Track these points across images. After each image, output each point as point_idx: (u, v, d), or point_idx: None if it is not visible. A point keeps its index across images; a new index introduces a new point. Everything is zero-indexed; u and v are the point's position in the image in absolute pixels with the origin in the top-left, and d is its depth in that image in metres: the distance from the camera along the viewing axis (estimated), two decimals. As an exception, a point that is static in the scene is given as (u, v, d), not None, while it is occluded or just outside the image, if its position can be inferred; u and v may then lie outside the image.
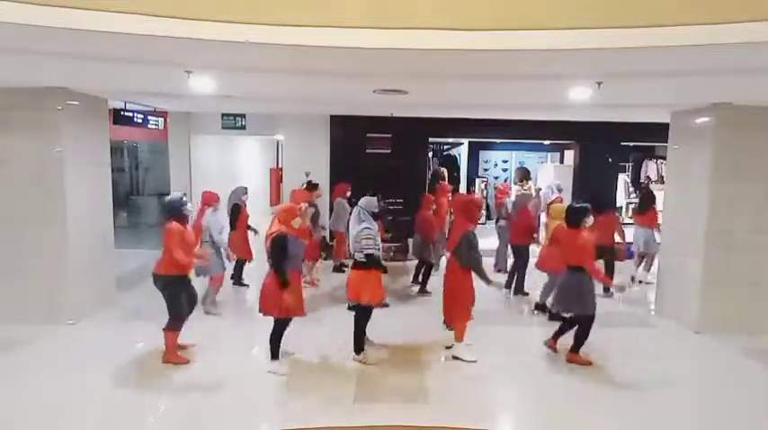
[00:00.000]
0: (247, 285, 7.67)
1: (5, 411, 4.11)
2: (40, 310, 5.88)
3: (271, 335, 4.89)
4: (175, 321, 4.91)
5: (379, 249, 5.00)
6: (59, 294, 5.92)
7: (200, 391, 4.51)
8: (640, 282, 8.52)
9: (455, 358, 5.23)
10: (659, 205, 8.12)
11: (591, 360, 5.26)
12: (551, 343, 5.45)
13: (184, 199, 5.00)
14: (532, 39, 3.27)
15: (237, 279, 7.66)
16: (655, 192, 8.97)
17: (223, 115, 9.84)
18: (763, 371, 5.19)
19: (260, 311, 4.83)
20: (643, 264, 8.55)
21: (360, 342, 5.13)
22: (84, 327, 5.92)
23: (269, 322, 4.99)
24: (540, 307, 6.77)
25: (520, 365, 5.28)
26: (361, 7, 3.29)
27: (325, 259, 9.03)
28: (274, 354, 4.92)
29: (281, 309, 4.68)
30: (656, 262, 7.79)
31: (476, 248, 5.09)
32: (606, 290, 7.63)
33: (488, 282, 5.21)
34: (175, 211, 4.84)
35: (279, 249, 4.60)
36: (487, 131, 10.81)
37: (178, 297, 4.90)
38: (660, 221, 7.98)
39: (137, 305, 6.76)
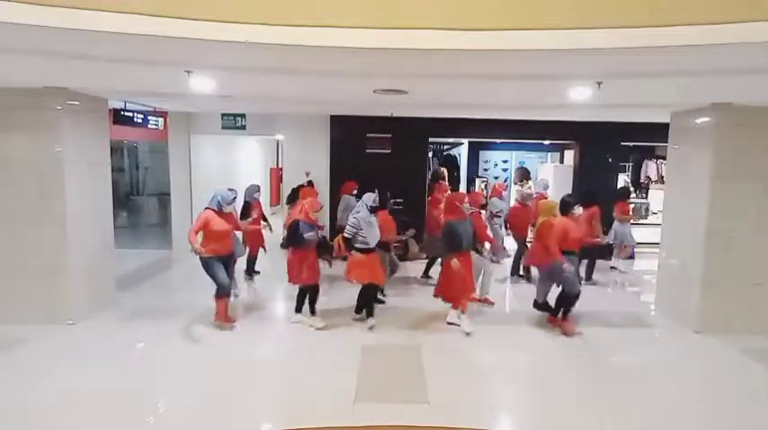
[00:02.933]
0: (258, 272, 8.18)
1: (5, 411, 4.10)
2: (40, 310, 5.88)
3: (308, 301, 6.02)
4: (219, 290, 5.81)
5: (363, 238, 5.74)
6: (59, 294, 5.92)
7: (200, 391, 4.51)
8: (613, 268, 9.20)
9: (449, 323, 6.00)
10: (659, 205, 8.30)
11: (580, 332, 5.89)
12: (552, 319, 6.06)
13: (230, 198, 5.88)
14: (532, 39, 3.27)
15: (250, 272, 8.07)
16: (631, 188, 10.33)
17: (223, 115, 9.84)
18: (763, 371, 5.19)
19: (289, 281, 5.93)
20: (615, 252, 9.19)
21: (364, 307, 6.11)
22: (84, 327, 5.92)
23: (268, 318, 5.54)
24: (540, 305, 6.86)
25: (519, 365, 5.29)
26: (361, 7, 3.29)
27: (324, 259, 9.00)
28: (298, 308, 6.07)
29: (298, 278, 5.82)
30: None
31: (452, 237, 5.75)
32: (588, 278, 8.24)
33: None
34: (216, 204, 5.74)
35: (292, 232, 5.73)
36: (487, 131, 10.80)
37: (214, 273, 5.74)
38: (631, 214, 9.03)
39: (137, 305, 6.77)
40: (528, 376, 5.04)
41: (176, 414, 4.20)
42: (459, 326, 5.91)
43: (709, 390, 4.84)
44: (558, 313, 6.03)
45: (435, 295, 6.08)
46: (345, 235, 5.79)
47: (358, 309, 6.19)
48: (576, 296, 5.87)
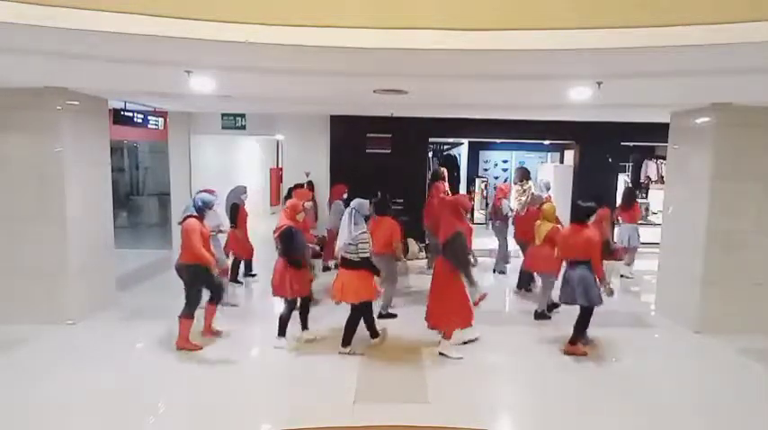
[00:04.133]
0: (241, 283, 7.85)
1: (5, 411, 4.11)
2: (40, 310, 5.88)
3: (300, 314, 5.54)
4: (189, 309, 5.27)
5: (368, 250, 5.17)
6: (59, 294, 5.92)
7: (200, 391, 4.52)
8: (622, 276, 8.83)
9: (441, 354, 5.25)
10: (659, 205, 8.28)
11: (587, 350, 5.44)
12: (572, 348, 5.39)
13: (214, 201, 5.62)
14: (532, 39, 3.27)
15: (234, 277, 7.67)
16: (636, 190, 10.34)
17: (223, 115, 9.84)
18: (763, 371, 5.19)
19: (274, 295, 5.40)
20: (625, 259, 8.89)
21: (348, 336, 5.33)
22: (84, 327, 5.92)
23: (267, 319, 5.37)
24: (545, 310, 6.66)
25: (519, 365, 5.29)
26: (361, 7, 3.29)
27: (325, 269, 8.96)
28: (281, 332, 5.44)
29: (291, 291, 5.27)
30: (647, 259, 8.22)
31: (465, 250, 5.19)
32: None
33: (472, 283, 5.16)
34: (198, 210, 5.31)
35: (287, 240, 5.25)
36: (487, 131, 10.81)
37: (196, 286, 5.29)
38: (639, 215, 8.77)
39: (137, 305, 6.77)
40: (528, 376, 5.04)
41: (176, 414, 4.20)
42: (451, 357, 5.26)
43: (710, 391, 4.84)
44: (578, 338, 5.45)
45: (433, 326, 5.34)
46: (364, 255, 5.07)
47: (347, 341, 5.34)
48: (591, 311, 5.33)
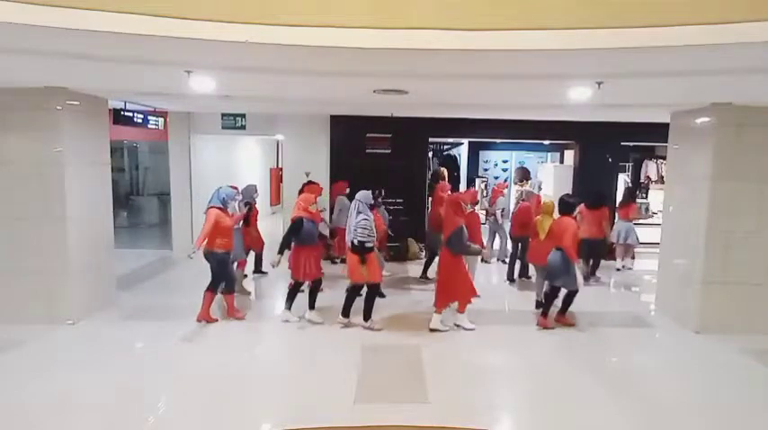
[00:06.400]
0: (266, 272, 8.27)
1: (5, 411, 4.10)
2: (40, 310, 5.88)
3: (309, 294, 6.08)
4: (229, 286, 6.10)
5: (373, 238, 5.75)
6: (59, 294, 5.92)
7: (200, 391, 4.51)
8: (623, 267, 9.26)
9: (457, 326, 5.91)
10: (659, 205, 8.38)
11: (574, 322, 6.17)
12: (543, 322, 6.09)
13: (235, 194, 6.18)
14: (533, 39, 3.27)
15: (258, 268, 8.28)
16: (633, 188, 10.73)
17: (223, 115, 9.83)
18: (763, 370, 5.19)
19: (292, 277, 6.03)
20: (618, 254, 9.33)
21: (346, 308, 5.99)
22: (84, 327, 5.92)
23: (268, 320, 5.67)
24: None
25: (520, 365, 5.29)
26: (361, 7, 3.29)
27: (326, 259, 8.99)
28: (288, 306, 6.09)
29: (304, 274, 5.89)
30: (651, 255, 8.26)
31: (465, 239, 5.78)
32: (593, 273, 8.38)
33: (479, 252, 6.12)
34: (221, 201, 5.89)
35: (294, 229, 5.77)
36: (487, 131, 10.79)
37: (225, 268, 6.01)
38: (635, 214, 9.20)
39: (137, 305, 6.77)
40: (528, 376, 5.04)
41: (176, 414, 4.20)
42: (443, 331, 5.87)
43: (709, 390, 4.83)
44: (548, 311, 6.14)
45: (442, 304, 5.89)
46: (360, 239, 5.64)
47: (368, 315, 5.94)
48: (576, 290, 6.01)
